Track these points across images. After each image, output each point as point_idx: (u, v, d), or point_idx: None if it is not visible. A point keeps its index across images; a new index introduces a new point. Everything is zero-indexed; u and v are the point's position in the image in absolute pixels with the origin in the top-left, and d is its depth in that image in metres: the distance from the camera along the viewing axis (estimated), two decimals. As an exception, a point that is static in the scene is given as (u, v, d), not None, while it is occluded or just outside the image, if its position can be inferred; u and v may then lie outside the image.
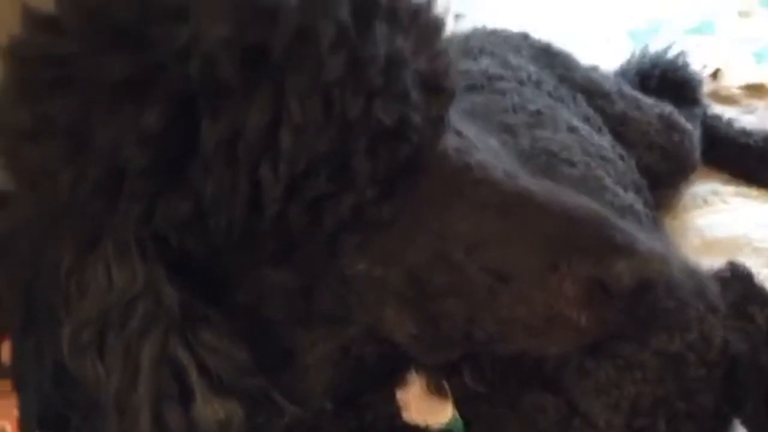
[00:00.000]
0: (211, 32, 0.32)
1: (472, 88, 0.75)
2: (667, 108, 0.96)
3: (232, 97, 0.32)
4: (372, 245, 0.36)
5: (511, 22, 1.76)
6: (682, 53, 1.17)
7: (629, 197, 0.66)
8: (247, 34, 0.32)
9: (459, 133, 0.44)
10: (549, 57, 0.95)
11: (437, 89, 0.37)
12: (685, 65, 1.14)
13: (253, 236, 0.34)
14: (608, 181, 0.66)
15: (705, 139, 1.05)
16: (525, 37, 1.00)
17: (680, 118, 0.95)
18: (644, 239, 0.37)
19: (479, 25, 1.63)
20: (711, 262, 0.84)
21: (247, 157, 0.32)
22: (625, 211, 0.63)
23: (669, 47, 1.21)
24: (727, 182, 1.01)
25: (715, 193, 0.97)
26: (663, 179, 0.91)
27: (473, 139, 0.46)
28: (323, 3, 0.33)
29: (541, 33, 1.48)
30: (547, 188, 0.38)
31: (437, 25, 0.40)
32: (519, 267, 0.36)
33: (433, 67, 0.38)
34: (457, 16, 0.75)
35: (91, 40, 0.33)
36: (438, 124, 0.38)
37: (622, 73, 1.17)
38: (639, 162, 0.86)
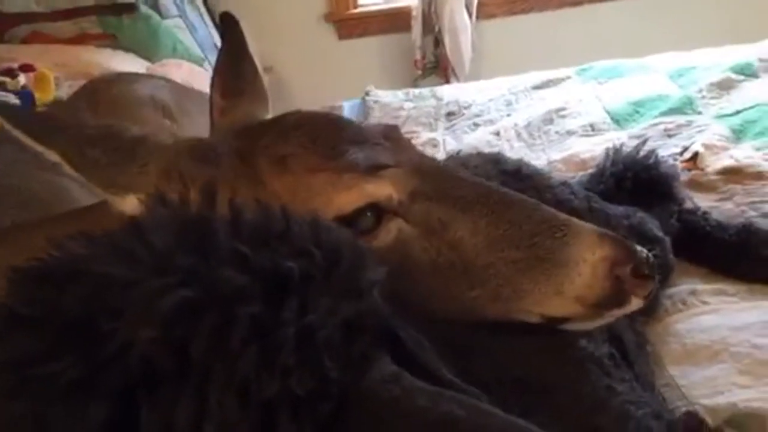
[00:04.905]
0: (141, 332, 0.37)
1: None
2: (637, 217, 1.01)
3: (164, 390, 0.37)
4: None
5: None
6: (653, 151, 1.22)
7: (603, 348, 0.70)
8: (171, 334, 0.37)
9: (397, 339, 0.49)
10: (519, 181, 1.01)
11: (362, 330, 0.43)
12: (657, 164, 1.19)
13: None
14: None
15: (682, 235, 1.09)
16: (496, 161, 1.07)
17: (651, 226, 1.00)
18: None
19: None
20: (692, 371, 0.88)
21: None
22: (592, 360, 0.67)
23: (642, 144, 1.27)
24: (706, 280, 1.03)
25: (694, 293, 0.99)
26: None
27: (411, 345, 0.51)
28: (239, 295, 0.39)
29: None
30: (473, 410, 0.42)
31: (361, 263, 0.45)
32: None
33: (358, 310, 0.43)
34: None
35: (47, 338, 0.39)
36: (362, 362, 0.42)
37: (599, 174, 1.23)
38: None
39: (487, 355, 0.59)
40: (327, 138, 0.66)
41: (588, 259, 0.63)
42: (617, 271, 0.63)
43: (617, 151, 1.24)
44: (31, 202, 0.95)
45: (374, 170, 0.64)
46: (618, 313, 0.66)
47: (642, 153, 1.23)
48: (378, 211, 0.64)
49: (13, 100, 1.85)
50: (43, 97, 1.87)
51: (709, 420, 0.77)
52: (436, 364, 0.51)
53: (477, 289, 0.64)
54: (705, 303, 0.98)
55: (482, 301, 0.64)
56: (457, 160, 1.09)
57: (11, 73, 2.02)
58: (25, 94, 1.83)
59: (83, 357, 0.38)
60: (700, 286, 1.01)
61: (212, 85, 0.81)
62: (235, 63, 0.82)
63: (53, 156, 0.66)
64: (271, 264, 0.41)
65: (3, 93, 1.92)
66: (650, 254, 0.65)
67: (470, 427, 0.41)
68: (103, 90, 1.47)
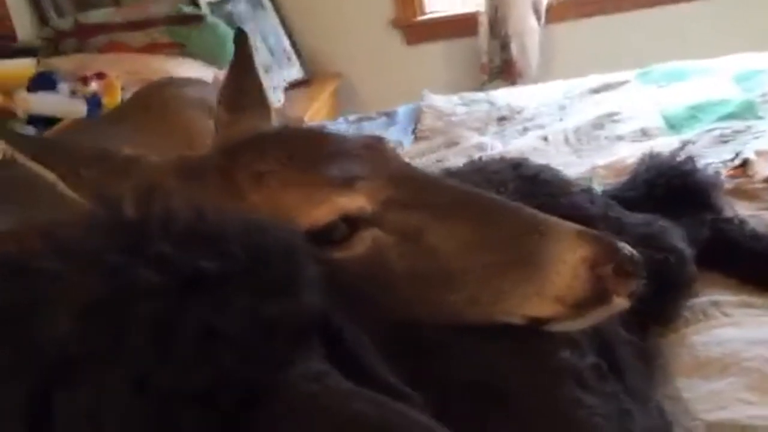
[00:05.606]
0: (59, 323, 0.40)
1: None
2: (657, 225, 0.97)
3: (75, 377, 0.39)
4: None
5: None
6: (691, 158, 1.18)
7: (587, 360, 0.68)
8: (83, 326, 0.40)
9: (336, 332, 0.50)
10: (535, 186, 1.00)
11: (285, 328, 0.44)
12: (694, 171, 1.15)
13: None
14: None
15: (714, 244, 1.05)
16: (516, 166, 1.06)
17: (668, 236, 0.96)
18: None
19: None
20: (700, 384, 0.84)
21: None
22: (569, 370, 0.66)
23: (679, 150, 1.22)
24: (734, 291, 0.98)
25: (716, 304, 0.95)
26: (654, 297, 0.92)
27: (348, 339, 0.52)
28: (148, 292, 0.41)
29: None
30: (387, 410, 0.43)
31: (292, 263, 0.47)
32: None
33: (283, 308, 0.44)
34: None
35: None
36: (282, 359, 0.43)
37: (632, 180, 1.20)
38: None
39: (438, 358, 0.59)
40: (304, 153, 0.67)
41: (567, 259, 0.62)
42: (598, 270, 0.62)
43: (653, 156, 1.21)
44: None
45: (348, 182, 0.65)
46: (601, 312, 0.64)
47: (681, 159, 1.18)
48: (352, 222, 0.65)
49: (84, 104, 1.98)
50: (110, 103, 1.99)
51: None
52: (375, 365, 0.52)
53: (455, 293, 0.64)
54: (726, 315, 0.94)
55: (461, 306, 0.65)
56: (476, 165, 1.09)
57: (86, 81, 2.16)
58: (93, 99, 1.96)
59: (15, 344, 0.42)
60: (725, 298, 0.97)
61: (218, 101, 0.84)
62: (239, 79, 0.85)
63: (51, 176, 0.70)
64: (189, 264, 0.44)
65: (77, 98, 2.06)
66: (635, 252, 0.64)
67: (377, 424, 0.42)
68: (154, 93, 1.55)
